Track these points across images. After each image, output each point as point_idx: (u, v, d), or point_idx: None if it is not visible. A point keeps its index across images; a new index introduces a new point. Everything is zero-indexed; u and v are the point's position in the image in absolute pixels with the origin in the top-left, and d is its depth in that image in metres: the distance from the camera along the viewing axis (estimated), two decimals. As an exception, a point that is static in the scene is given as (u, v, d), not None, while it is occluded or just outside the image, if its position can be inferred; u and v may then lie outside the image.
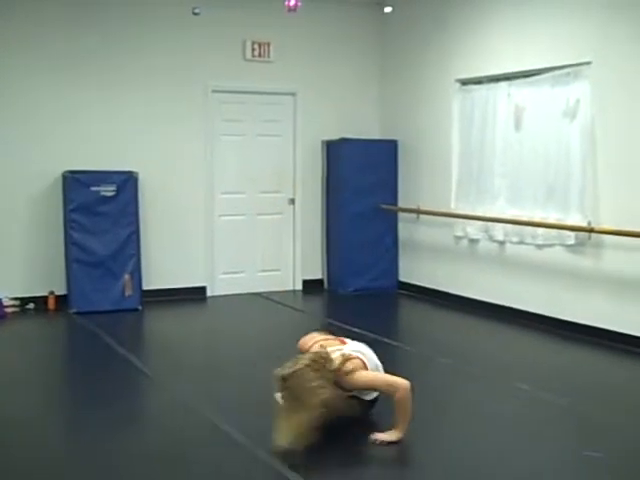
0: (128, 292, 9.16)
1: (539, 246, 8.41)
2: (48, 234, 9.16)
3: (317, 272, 10.80)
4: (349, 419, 5.14)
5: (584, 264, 7.92)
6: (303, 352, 5.37)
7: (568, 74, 8.01)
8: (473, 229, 9.25)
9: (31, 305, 9.14)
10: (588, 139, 7.79)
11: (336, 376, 4.99)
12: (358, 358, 5.17)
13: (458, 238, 9.54)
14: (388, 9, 9.88)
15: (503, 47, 8.83)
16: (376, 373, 5.19)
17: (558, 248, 8.19)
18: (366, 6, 10.58)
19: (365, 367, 5.15)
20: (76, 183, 8.96)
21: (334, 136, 10.44)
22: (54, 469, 4.68)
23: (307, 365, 4.84)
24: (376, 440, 4.87)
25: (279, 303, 9.80)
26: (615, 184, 7.57)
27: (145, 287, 9.45)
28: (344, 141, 10.32)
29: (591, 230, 7.67)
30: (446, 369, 6.79)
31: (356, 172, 10.26)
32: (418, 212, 10.04)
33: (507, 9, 8.76)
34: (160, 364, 7.03)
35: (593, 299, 7.81)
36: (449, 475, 4.59)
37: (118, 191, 9.11)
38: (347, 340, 5.52)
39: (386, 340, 7.52)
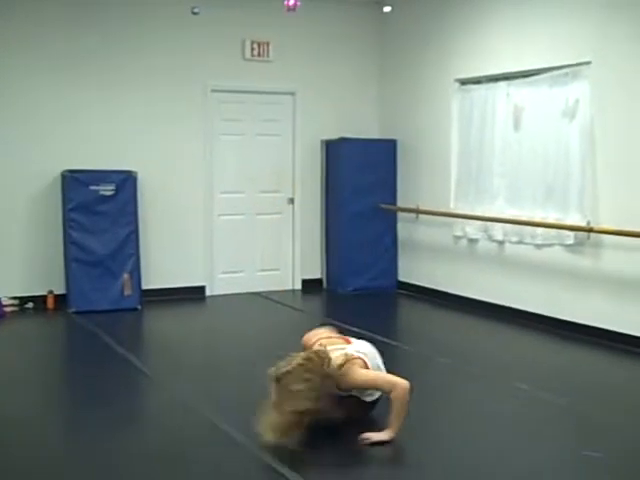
0: (127, 291, 9.16)
1: (538, 246, 8.42)
2: (47, 233, 9.16)
3: (316, 272, 10.80)
4: (349, 419, 5.13)
5: (583, 264, 7.92)
6: (306, 348, 5.37)
7: (567, 74, 8.01)
8: (472, 229, 9.25)
9: (30, 304, 9.14)
10: (587, 139, 7.80)
11: (335, 375, 4.99)
12: (360, 358, 5.14)
13: (457, 238, 9.54)
14: (387, 9, 9.87)
15: (502, 47, 8.83)
16: (376, 372, 5.15)
17: (557, 248, 8.19)
18: (365, 6, 10.58)
19: (366, 367, 5.13)
20: (75, 182, 8.96)
21: (333, 136, 10.44)
22: (53, 468, 4.68)
23: (300, 365, 4.82)
24: (365, 439, 4.83)
25: (278, 303, 9.81)
26: (614, 184, 7.57)
27: (144, 286, 9.45)
28: (343, 141, 10.32)
29: (590, 230, 7.68)
30: (445, 369, 6.80)
31: (355, 172, 10.27)
32: (417, 212, 10.05)
33: (506, 9, 8.76)
34: (159, 363, 7.03)
35: (592, 299, 7.81)
36: (448, 475, 4.59)
37: (117, 190, 9.10)
38: (352, 339, 5.48)
39: (385, 340, 7.51)
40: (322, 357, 4.96)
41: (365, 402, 5.23)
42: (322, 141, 10.60)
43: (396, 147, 10.48)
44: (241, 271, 10.34)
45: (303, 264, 10.68)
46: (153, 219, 9.63)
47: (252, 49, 10.08)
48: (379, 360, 5.37)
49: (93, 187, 9.01)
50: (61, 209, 9.10)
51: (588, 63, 7.73)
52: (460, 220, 9.38)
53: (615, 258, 7.59)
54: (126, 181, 9.16)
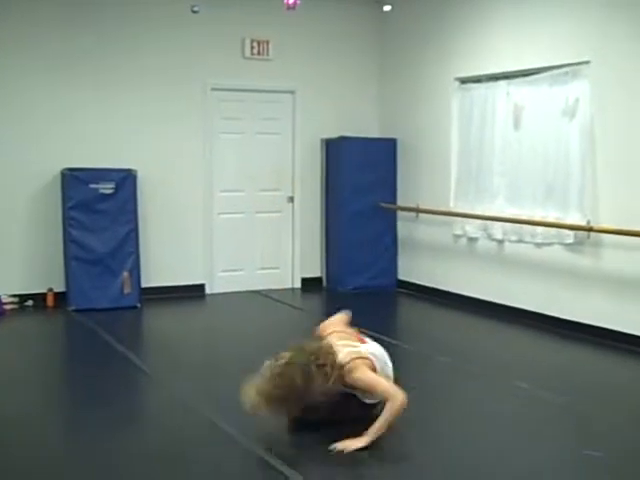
0: (127, 290, 9.16)
1: (538, 245, 8.42)
2: (47, 231, 9.16)
3: (316, 270, 10.80)
4: (349, 418, 5.12)
5: (583, 263, 7.92)
6: (321, 337, 5.37)
7: (567, 73, 8.01)
8: (472, 228, 9.25)
9: (30, 302, 9.14)
10: (587, 138, 7.80)
11: (338, 372, 4.98)
12: (369, 359, 5.11)
13: (457, 237, 9.55)
14: (387, 7, 9.88)
15: (502, 46, 8.83)
16: (379, 378, 5.04)
17: (557, 247, 8.19)
18: (365, 4, 10.58)
19: (373, 370, 5.09)
20: (75, 181, 8.95)
21: (333, 134, 10.44)
22: (53, 468, 4.67)
23: (303, 364, 4.85)
24: (335, 448, 4.71)
25: (278, 301, 9.81)
26: (614, 183, 7.58)
27: (144, 285, 9.45)
28: (343, 139, 10.32)
29: (590, 229, 7.68)
30: (445, 367, 6.80)
31: (355, 170, 10.26)
32: (417, 211, 10.04)
33: (506, 8, 8.76)
34: (159, 362, 7.03)
35: (592, 298, 7.82)
36: (448, 474, 4.59)
37: (117, 189, 9.10)
38: (367, 339, 5.43)
39: (385, 338, 7.49)
40: (325, 354, 4.96)
41: (365, 403, 5.19)
42: (322, 140, 10.60)
43: (396, 146, 10.47)
44: (241, 269, 10.34)
45: (303, 263, 10.68)
46: (153, 217, 9.63)
47: (252, 47, 10.07)
48: (389, 366, 5.34)
49: (93, 185, 9.00)
50: (61, 207, 9.09)
51: (588, 62, 7.73)
52: (460, 219, 9.38)
53: (615, 257, 7.59)
54: (126, 179, 9.15)
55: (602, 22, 7.62)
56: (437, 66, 9.78)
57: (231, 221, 10.21)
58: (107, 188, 9.06)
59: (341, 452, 4.67)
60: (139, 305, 9.21)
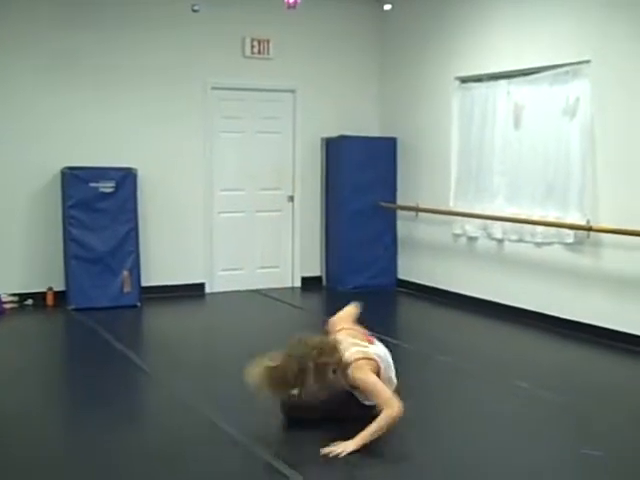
0: (127, 288, 9.16)
1: (538, 244, 8.42)
2: (47, 230, 9.16)
3: (316, 269, 10.80)
4: (348, 418, 5.12)
5: (583, 262, 7.92)
6: (330, 333, 5.38)
7: (567, 72, 8.01)
8: (472, 227, 9.25)
9: (30, 301, 9.14)
10: (587, 137, 7.79)
11: (342, 370, 4.98)
12: (375, 361, 5.09)
13: (457, 236, 9.54)
14: (388, 6, 9.88)
15: (503, 45, 8.83)
16: (379, 383, 4.96)
17: (557, 246, 8.19)
18: (366, 3, 10.58)
19: (377, 372, 5.05)
20: (75, 179, 8.95)
21: (333, 133, 10.43)
22: (53, 466, 4.67)
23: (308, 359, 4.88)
24: (327, 453, 4.67)
25: (278, 300, 9.81)
26: (614, 183, 7.57)
27: (144, 284, 9.44)
28: (343, 138, 10.32)
29: (590, 229, 7.68)
30: (445, 367, 6.80)
31: (355, 169, 10.26)
32: (417, 210, 10.04)
33: (507, 7, 8.76)
34: (159, 361, 7.03)
35: (592, 297, 7.82)
36: (448, 474, 4.59)
37: (117, 187, 9.10)
38: (375, 340, 5.41)
39: (385, 337, 7.46)
40: (330, 349, 4.99)
41: (363, 405, 5.14)
42: (322, 139, 10.60)
43: (396, 145, 10.47)
44: (241, 268, 10.34)
45: (303, 262, 10.68)
46: (153, 216, 9.63)
47: (252, 46, 10.07)
48: (392, 371, 5.30)
49: (93, 184, 9.00)
50: (61, 206, 9.09)
51: (588, 62, 7.73)
52: (460, 218, 9.38)
53: (615, 257, 7.59)
54: (126, 178, 9.15)
55: (603, 22, 7.62)
56: (437, 65, 9.78)
57: (231, 220, 10.21)
58: (107, 187, 9.06)
59: (333, 455, 4.62)
60: (139, 304, 9.21)
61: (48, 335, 8.35)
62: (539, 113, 8.38)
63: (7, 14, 8.91)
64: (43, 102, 9.11)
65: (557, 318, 8.13)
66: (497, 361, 7.04)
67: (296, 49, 10.33)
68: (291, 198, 10.54)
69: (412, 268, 10.35)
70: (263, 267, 10.47)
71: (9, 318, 8.67)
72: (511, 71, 8.71)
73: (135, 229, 9.24)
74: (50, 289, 9.17)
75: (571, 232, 7.97)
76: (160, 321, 8.88)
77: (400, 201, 10.45)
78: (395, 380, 5.32)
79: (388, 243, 10.55)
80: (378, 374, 5.05)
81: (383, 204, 10.38)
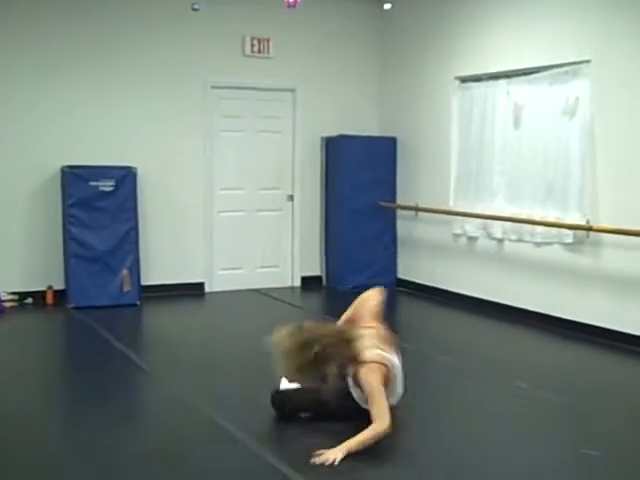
0: (126, 287, 9.15)
1: (537, 244, 8.42)
2: (47, 229, 9.16)
3: (316, 269, 10.80)
4: (349, 418, 5.11)
5: (583, 262, 7.92)
6: (355, 314, 5.45)
7: (567, 72, 8.01)
8: (471, 227, 9.25)
9: (29, 300, 9.14)
10: (587, 137, 7.79)
11: (356, 365, 4.99)
12: (387, 367, 5.05)
13: (456, 236, 9.54)
14: (388, 6, 9.87)
15: (503, 45, 8.83)
16: (380, 393, 4.91)
17: (556, 246, 8.19)
18: (366, 3, 10.58)
19: (385, 381, 5.02)
20: (75, 178, 8.95)
21: (333, 132, 10.43)
22: (52, 465, 4.67)
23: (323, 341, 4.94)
24: (315, 462, 4.60)
25: (277, 299, 9.80)
26: (614, 183, 7.57)
27: (143, 282, 9.44)
28: (343, 138, 10.32)
29: (589, 228, 7.68)
30: (445, 367, 6.80)
31: (355, 169, 10.26)
32: (417, 209, 10.04)
33: (507, 7, 8.76)
34: (158, 360, 7.03)
35: (592, 297, 7.82)
36: (448, 474, 4.59)
37: (117, 186, 9.10)
38: (394, 351, 5.31)
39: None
40: (348, 339, 5.02)
41: (360, 407, 5.11)
42: (322, 138, 10.60)
43: (396, 144, 10.47)
44: (240, 268, 10.34)
45: (302, 261, 10.68)
46: (153, 215, 9.62)
47: (252, 45, 10.07)
48: (400, 384, 5.26)
49: (93, 183, 9.00)
50: (61, 205, 9.09)
51: (588, 61, 7.73)
52: (459, 218, 9.38)
53: (615, 257, 7.59)
54: (126, 177, 9.15)
55: (603, 21, 7.62)
56: (437, 65, 9.78)
57: (231, 219, 10.21)
58: (107, 186, 9.06)
59: (320, 463, 4.56)
60: (138, 303, 9.21)
61: (48, 334, 8.35)
62: (539, 113, 8.38)
63: (7, 13, 8.90)
64: (43, 101, 9.11)
65: (557, 318, 8.13)
66: (497, 361, 7.04)
67: (296, 48, 10.33)
68: (291, 197, 10.55)
69: (412, 268, 10.35)
70: (263, 266, 10.47)
71: (9, 317, 8.66)
72: (511, 71, 8.71)
73: (135, 228, 9.24)
74: (50, 288, 9.17)
75: (570, 232, 7.97)
76: (160, 320, 8.88)
77: (400, 201, 10.45)
78: (401, 392, 5.27)
79: (388, 243, 10.55)
80: (387, 383, 5.03)
81: (383, 204, 10.38)
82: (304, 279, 10.69)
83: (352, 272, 10.29)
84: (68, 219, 8.97)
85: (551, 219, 8.19)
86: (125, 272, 9.15)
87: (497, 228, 8.89)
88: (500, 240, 8.91)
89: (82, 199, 8.96)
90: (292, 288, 10.57)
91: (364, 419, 4.85)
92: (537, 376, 6.46)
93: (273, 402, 5.40)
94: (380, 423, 4.74)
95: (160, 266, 9.72)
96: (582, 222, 7.78)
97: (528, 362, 7.02)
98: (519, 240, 8.64)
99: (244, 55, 10.07)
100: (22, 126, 9.03)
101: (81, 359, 7.14)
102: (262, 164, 10.31)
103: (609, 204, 7.60)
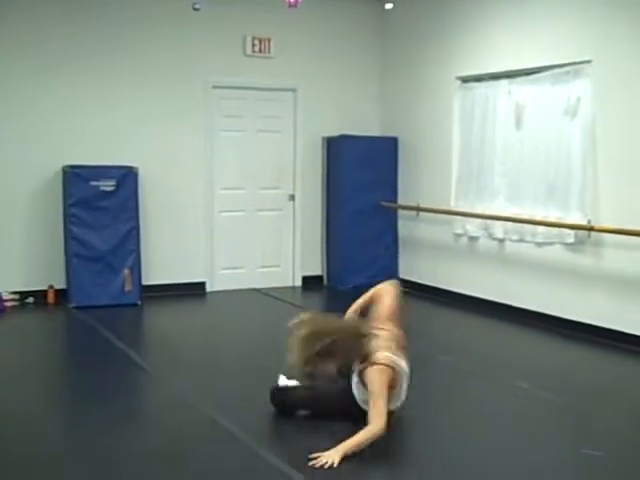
0: (127, 287, 9.15)
1: (539, 244, 8.42)
2: (48, 228, 9.16)
3: (317, 268, 10.80)
4: (348, 418, 5.11)
5: (584, 262, 7.92)
6: (372, 298, 5.48)
7: (569, 72, 8.00)
8: (473, 227, 9.25)
9: (30, 299, 9.14)
10: (589, 137, 7.79)
11: (365, 363, 5.00)
12: (397, 374, 5.06)
13: (458, 236, 9.54)
14: (389, 6, 9.86)
15: (504, 45, 8.82)
16: (380, 393, 4.90)
17: (558, 246, 8.19)
18: (367, 3, 10.58)
19: (391, 386, 5.01)
20: (76, 178, 8.95)
21: (334, 132, 10.43)
22: (53, 465, 4.68)
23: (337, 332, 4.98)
24: (324, 464, 4.57)
25: (278, 299, 9.80)
26: (615, 182, 7.57)
27: (144, 282, 9.44)
28: (344, 138, 10.32)
29: (591, 229, 7.67)
30: (445, 366, 6.79)
31: (356, 169, 10.26)
32: (418, 209, 10.04)
33: (508, 7, 8.75)
34: (159, 359, 7.03)
35: (593, 298, 7.81)
36: (449, 474, 4.59)
37: (118, 186, 9.10)
38: (404, 356, 5.30)
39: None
40: (361, 335, 5.05)
41: (361, 408, 5.09)
42: (323, 138, 10.59)
43: (397, 144, 10.47)
44: (241, 267, 10.34)
45: (303, 261, 10.68)
46: (154, 215, 9.63)
47: (253, 45, 10.06)
48: (404, 391, 5.22)
49: (94, 182, 9.00)
50: (62, 204, 9.09)
51: (589, 61, 7.73)
52: (460, 218, 9.38)
53: (616, 257, 7.59)
54: (127, 177, 9.15)
55: (604, 21, 7.61)
56: (438, 65, 9.78)
57: (232, 219, 10.21)
58: (108, 185, 9.06)
59: (321, 467, 4.53)
60: (140, 303, 9.20)
61: (49, 333, 8.35)
62: (540, 113, 8.38)
63: (7, 13, 8.90)
64: (44, 101, 9.11)
65: (558, 318, 8.13)
66: (497, 361, 7.04)
67: (297, 48, 10.32)
68: (292, 197, 10.54)
69: (413, 267, 10.35)
70: (264, 266, 10.47)
71: (10, 316, 8.67)
72: (512, 71, 8.71)
73: (136, 228, 9.24)
74: (51, 287, 9.17)
75: (572, 232, 7.96)
76: (161, 320, 8.89)
77: (401, 200, 10.45)
78: (403, 398, 5.23)
79: (389, 242, 10.54)
80: (391, 387, 5.02)
81: (384, 203, 10.38)
82: (305, 279, 10.69)
83: (353, 272, 10.28)
84: (69, 219, 8.97)
85: (552, 219, 8.19)
86: (126, 272, 9.15)
87: (498, 228, 8.89)
88: (501, 240, 8.91)
89: (83, 199, 8.96)
90: (293, 288, 10.57)
91: (363, 419, 4.84)
92: (538, 376, 6.46)
93: (272, 398, 5.42)
94: (375, 424, 4.73)
95: (161, 266, 9.72)
96: (583, 222, 7.78)
97: (529, 362, 7.02)
98: (520, 240, 8.64)
99: (245, 55, 10.06)
100: (23, 126, 9.03)
101: (82, 359, 7.15)
102: (263, 164, 10.30)
103: (610, 204, 7.60)
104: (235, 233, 10.22)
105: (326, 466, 4.50)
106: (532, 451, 4.87)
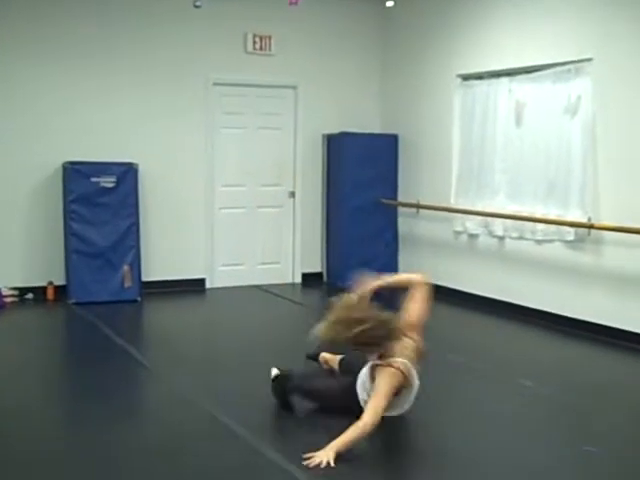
0: (127, 283, 9.16)
1: (539, 242, 8.42)
2: (48, 225, 9.16)
3: (316, 265, 10.81)
4: (349, 416, 5.11)
5: (584, 260, 7.92)
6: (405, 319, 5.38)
7: (569, 70, 8.00)
8: (472, 224, 9.25)
9: (30, 295, 9.14)
10: (589, 135, 7.79)
11: (382, 362, 5.00)
12: (408, 382, 5.06)
13: (457, 233, 9.54)
14: (390, 3, 9.85)
15: (505, 43, 8.82)
16: (384, 395, 4.89)
17: (558, 244, 8.20)
18: (368, 0, 10.57)
19: (396, 393, 5.01)
20: (76, 174, 8.95)
21: (335, 130, 10.43)
22: (53, 461, 4.68)
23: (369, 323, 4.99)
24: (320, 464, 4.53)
25: (278, 296, 9.81)
26: (615, 180, 7.58)
27: (144, 278, 9.45)
28: (345, 135, 10.31)
29: (590, 226, 7.68)
30: (445, 364, 6.77)
31: (356, 166, 10.26)
32: (418, 207, 10.04)
33: (509, 5, 8.75)
34: (159, 356, 7.03)
35: (593, 295, 7.82)
36: (449, 472, 4.59)
37: (118, 182, 9.10)
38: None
39: (385, 334, 7.50)
40: (386, 323, 5.08)
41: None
42: (323, 135, 10.59)
43: (397, 142, 10.47)
44: (241, 264, 10.34)
45: (303, 258, 10.68)
46: (154, 211, 9.63)
47: (254, 42, 10.06)
48: (409, 402, 5.23)
49: (94, 179, 9.00)
50: (62, 200, 9.10)
51: (590, 60, 7.73)
52: (460, 215, 9.38)
53: (616, 254, 7.59)
54: (127, 173, 9.15)
55: (605, 20, 7.61)
56: (439, 63, 9.78)
57: (232, 216, 10.21)
58: (108, 182, 9.06)
59: (316, 466, 4.50)
60: (139, 299, 9.21)
61: (48, 329, 8.35)
62: (541, 111, 8.38)
63: (9, 8, 8.90)
64: (45, 97, 9.10)
65: (558, 316, 8.14)
66: (498, 358, 7.04)
67: (298, 45, 10.32)
68: (292, 194, 10.55)
69: (413, 265, 10.33)
70: (264, 263, 10.47)
71: (9, 312, 8.67)
72: (513, 69, 8.71)
73: (136, 224, 9.24)
74: (50, 283, 9.18)
75: (572, 230, 7.97)
76: (160, 316, 8.89)
77: (401, 198, 10.45)
78: (404, 409, 5.23)
79: (389, 240, 10.54)
80: (397, 394, 5.03)
81: (384, 201, 10.38)
82: (305, 276, 10.69)
83: (353, 269, 10.22)
84: (69, 215, 8.98)
85: (552, 217, 8.19)
86: (126, 268, 9.15)
87: (498, 225, 8.89)
88: (501, 238, 8.91)
89: (83, 195, 8.97)
90: (293, 284, 10.58)
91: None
92: (538, 373, 6.46)
93: (275, 381, 5.44)
94: (366, 420, 4.72)
95: (161, 262, 9.73)
96: (583, 220, 7.79)
97: (529, 359, 7.02)
98: (520, 238, 8.64)
99: (246, 52, 10.06)
100: (23, 122, 9.02)
101: (82, 355, 7.15)
102: (263, 161, 10.31)
103: (610, 202, 7.61)
104: (235, 230, 10.22)
105: (322, 465, 4.49)
106: (533, 449, 4.87)
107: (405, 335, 5.22)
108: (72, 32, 9.15)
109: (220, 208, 10.13)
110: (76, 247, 8.99)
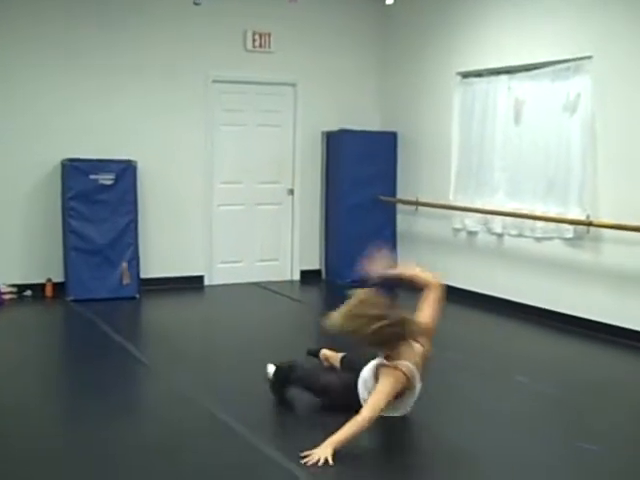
0: (126, 280, 9.15)
1: (538, 239, 8.42)
2: (46, 222, 9.15)
3: (315, 262, 10.81)
4: (347, 415, 5.10)
5: (583, 258, 7.92)
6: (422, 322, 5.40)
7: (569, 68, 8.00)
8: (471, 221, 9.25)
9: (28, 292, 9.13)
10: (588, 133, 7.79)
11: (389, 363, 5.00)
12: (411, 385, 5.07)
13: (456, 230, 9.54)
14: (389, 1, 9.80)
15: (504, 40, 8.82)
16: (384, 394, 4.89)
17: (557, 241, 8.20)
18: (367, -3, 10.59)
19: (398, 394, 5.01)
20: (75, 171, 8.94)
21: (334, 127, 10.42)
22: (51, 458, 4.67)
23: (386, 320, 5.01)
24: (318, 463, 4.52)
25: (277, 293, 9.80)
26: (615, 178, 7.58)
27: (143, 275, 9.44)
28: (344, 132, 10.31)
29: (589, 224, 7.68)
30: (444, 361, 6.75)
31: (355, 163, 10.26)
32: (417, 204, 10.04)
33: (508, 3, 8.75)
34: (157, 353, 7.03)
35: (592, 293, 7.82)
36: (449, 470, 4.59)
37: (117, 180, 9.09)
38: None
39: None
40: (404, 322, 5.11)
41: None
42: (322, 132, 10.59)
43: (396, 139, 10.46)
44: (240, 261, 10.33)
45: (302, 255, 10.68)
46: (152, 209, 9.62)
47: (253, 40, 10.05)
48: (409, 406, 5.22)
49: (93, 176, 9.00)
50: (60, 198, 9.08)
51: (590, 58, 7.73)
52: (459, 213, 9.38)
53: (615, 252, 7.60)
54: (126, 170, 9.15)
55: (604, 17, 7.61)
56: (438, 60, 9.77)
57: (231, 213, 10.20)
58: (107, 179, 9.06)
59: (315, 464, 4.49)
60: (138, 296, 9.21)
61: (47, 326, 8.35)
62: (540, 109, 8.38)
63: (9, 6, 8.88)
64: (44, 95, 9.09)
65: (557, 313, 8.14)
66: (496, 355, 7.05)
67: (297, 43, 10.31)
68: (291, 191, 10.54)
69: (411, 262, 10.32)
70: (262, 260, 10.47)
71: (8, 309, 8.66)
72: (512, 66, 8.71)
73: (134, 221, 9.24)
74: (49, 280, 9.17)
75: (571, 227, 7.97)
76: (159, 313, 8.88)
77: (400, 195, 10.45)
78: (400, 412, 5.21)
79: (388, 237, 10.50)
80: (401, 395, 5.03)
81: (383, 198, 10.37)
82: (303, 273, 10.69)
83: (351, 266, 10.20)
84: (68, 212, 8.97)
85: (552, 214, 8.19)
86: (124, 265, 9.15)
87: (497, 223, 8.89)
88: (500, 235, 8.91)
89: (82, 192, 8.96)
90: (291, 282, 10.58)
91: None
92: (537, 371, 6.47)
93: (272, 386, 5.43)
94: (364, 415, 4.72)
95: (160, 259, 9.72)
96: (582, 217, 7.79)
97: (527, 357, 7.02)
98: (519, 235, 8.64)
99: (245, 50, 10.05)
100: (22, 120, 9.01)
101: (80, 352, 7.14)
102: (262, 158, 10.30)
103: (609, 199, 7.61)
104: (234, 227, 10.21)
105: (320, 463, 4.48)
106: (531, 446, 4.87)
107: (416, 340, 5.23)
108: (71, 30, 9.13)
109: (219, 205, 10.13)
110: (75, 244, 8.98)
